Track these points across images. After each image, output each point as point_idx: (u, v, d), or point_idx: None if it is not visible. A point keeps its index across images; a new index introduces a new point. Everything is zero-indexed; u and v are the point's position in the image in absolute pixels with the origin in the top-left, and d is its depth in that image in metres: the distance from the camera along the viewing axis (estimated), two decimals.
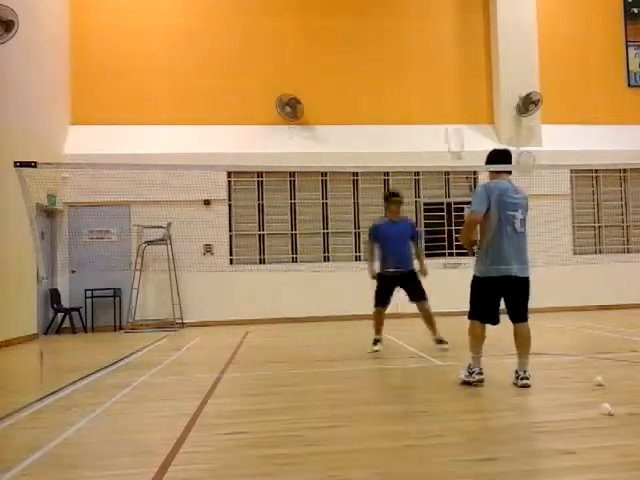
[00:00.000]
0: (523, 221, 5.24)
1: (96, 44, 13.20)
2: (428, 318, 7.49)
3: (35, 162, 6.26)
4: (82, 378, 6.26)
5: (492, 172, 5.52)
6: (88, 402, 5.06)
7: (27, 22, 10.19)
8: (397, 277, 7.42)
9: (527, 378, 5.12)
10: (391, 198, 7.75)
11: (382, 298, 7.64)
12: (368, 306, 12.45)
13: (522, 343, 5.24)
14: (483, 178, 13.24)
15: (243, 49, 13.60)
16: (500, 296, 5.24)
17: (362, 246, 13.53)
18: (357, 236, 13.56)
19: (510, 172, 5.54)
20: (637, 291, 13.26)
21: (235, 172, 13.05)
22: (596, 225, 14.25)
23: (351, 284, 12.58)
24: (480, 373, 5.25)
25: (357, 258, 13.39)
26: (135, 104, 13.08)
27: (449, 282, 11.56)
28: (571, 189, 13.97)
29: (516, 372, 5.24)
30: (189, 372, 6.78)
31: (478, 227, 5.31)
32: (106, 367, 7.04)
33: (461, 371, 5.39)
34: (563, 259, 12.35)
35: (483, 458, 3.28)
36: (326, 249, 13.38)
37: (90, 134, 12.68)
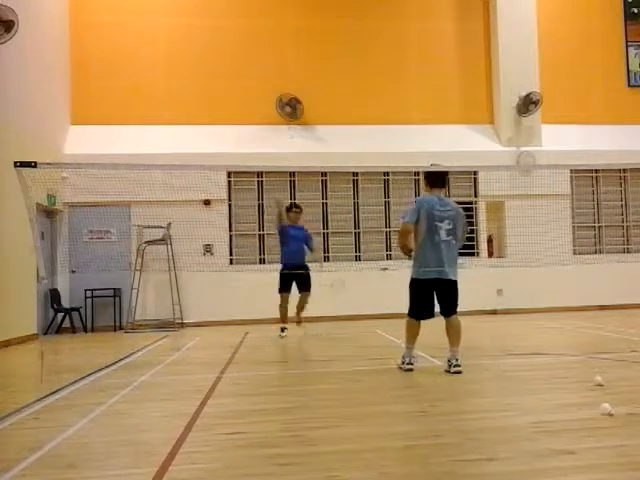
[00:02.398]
0: (451, 230, 5.96)
1: (96, 44, 13.21)
2: (302, 306, 9.70)
3: (35, 162, 6.26)
4: (82, 378, 6.25)
5: (429, 187, 6.28)
6: (88, 402, 5.05)
7: (27, 22, 10.19)
8: (294, 270, 9.46)
9: (459, 365, 5.79)
10: (292, 209, 9.83)
11: (285, 287, 9.52)
12: (368, 306, 12.55)
13: (453, 333, 5.95)
14: (483, 177, 13.28)
15: (243, 49, 13.60)
16: (432, 295, 5.99)
17: (362, 246, 13.54)
18: (357, 236, 13.56)
19: (443, 187, 6.40)
20: (637, 291, 13.26)
21: (235, 172, 13.06)
22: (596, 225, 14.25)
23: (351, 284, 12.63)
24: (410, 363, 6.01)
25: (357, 258, 13.41)
26: (135, 104, 13.09)
27: None
28: (571, 189, 13.98)
29: (448, 361, 5.87)
30: (189, 372, 6.78)
31: (412, 235, 6.09)
32: (106, 367, 7.04)
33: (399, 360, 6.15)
34: (563, 259, 12.35)
35: (483, 458, 3.28)
36: (326, 249, 13.38)
37: (90, 134, 12.68)
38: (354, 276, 12.52)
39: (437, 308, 6.11)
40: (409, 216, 6.02)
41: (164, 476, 3.15)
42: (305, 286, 9.66)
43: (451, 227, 5.95)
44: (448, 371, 5.82)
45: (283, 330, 9.61)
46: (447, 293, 5.98)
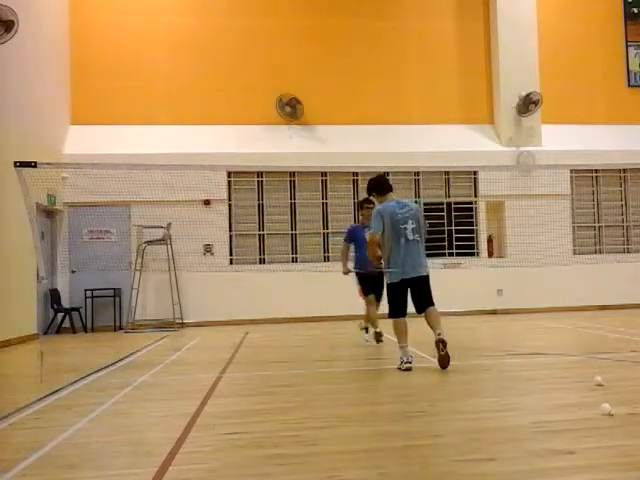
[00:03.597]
0: (415, 229, 6.21)
1: (96, 44, 13.21)
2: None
3: (35, 162, 6.26)
4: (82, 378, 6.26)
5: (380, 195, 6.47)
6: (88, 402, 5.06)
7: (27, 22, 10.19)
8: (372, 275, 8.00)
9: (442, 336, 5.97)
10: (365, 205, 8.24)
11: (368, 288, 8.25)
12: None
13: (434, 320, 6.15)
14: (483, 177, 13.27)
15: (243, 49, 13.60)
16: (407, 292, 6.25)
17: None
18: None
19: (392, 190, 6.51)
20: (637, 291, 13.26)
21: (235, 172, 13.06)
22: (596, 225, 14.25)
23: (351, 284, 12.60)
24: (408, 362, 6.12)
25: None
26: (135, 104, 13.08)
27: (449, 282, 11.58)
28: (571, 189, 13.98)
29: (436, 343, 6.00)
30: (189, 372, 6.78)
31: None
32: (106, 367, 7.04)
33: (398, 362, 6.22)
34: (563, 259, 12.35)
35: (483, 458, 3.28)
36: (326, 249, 13.38)
37: (90, 134, 12.68)
38: (353, 276, 12.50)
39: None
40: (374, 227, 6.25)
41: (164, 476, 3.15)
42: (381, 290, 8.07)
43: (415, 226, 6.21)
44: (438, 351, 5.97)
45: (368, 331, 8.53)
46: (422, 289, 6.23)
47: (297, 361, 7.38)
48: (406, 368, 6.08)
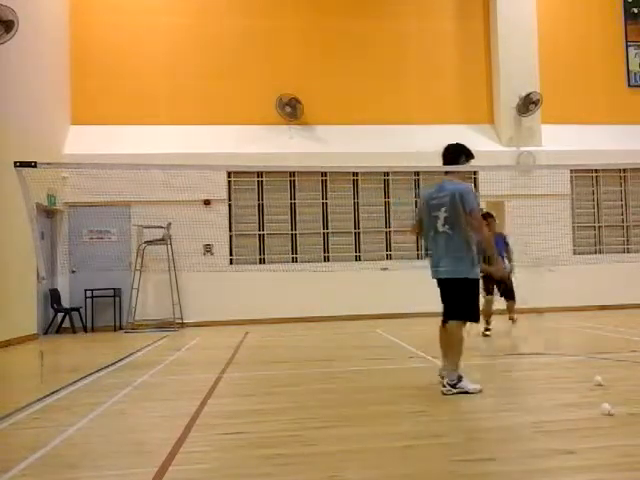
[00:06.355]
0: (447, 219, 4.96)
1: (96, 44, 13.21)
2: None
3: (35, 162, 6.26)
4: (82, 378, 6.26)
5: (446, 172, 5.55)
6: (88, 402, 5.06)
7: (27, 22, 10.18)
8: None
9: (444, 386, 4.91)
10: (488, 219, 8.57)
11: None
12: (368, 306, 12.54)
13: (445, 345, 5.10)
14: (483, 177, 13.26)
15: (243, 49, 13.60)
16: (444, 296, 5.12)
17: (362, 246, 13.53)
18: (357, 236, 13.55)
19: (450, 173, 5.50)
20: (637, 291, 13.24)
21: (235, 172, 13.05)
22: (596, 225, 14.24)
23: (351, 284, 12.62)
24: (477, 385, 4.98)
25: (357, 258, 13.39)
26: (135, 104, 13.08)
27: None
28: (571, 189, 13.97)
29: (439, 374, 5.11)
30: (189, 372, 6.78)
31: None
32: (106, 367, 7.04)
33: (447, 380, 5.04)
34: (563, 259, 12.34)
35: (483, 458, 3.28)
36: (326, 249, 13.38)
37: (90, 134, 12.68)
38: (354, 276, 12.52)
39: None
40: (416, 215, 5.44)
41: (164, 476, 3.15)
42: (509, 293, 9.35)
43: (448, 215, 4.96)
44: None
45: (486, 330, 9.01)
46: (449, 294, 5.05)
47: (297, 361, 7.37)
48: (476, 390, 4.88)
